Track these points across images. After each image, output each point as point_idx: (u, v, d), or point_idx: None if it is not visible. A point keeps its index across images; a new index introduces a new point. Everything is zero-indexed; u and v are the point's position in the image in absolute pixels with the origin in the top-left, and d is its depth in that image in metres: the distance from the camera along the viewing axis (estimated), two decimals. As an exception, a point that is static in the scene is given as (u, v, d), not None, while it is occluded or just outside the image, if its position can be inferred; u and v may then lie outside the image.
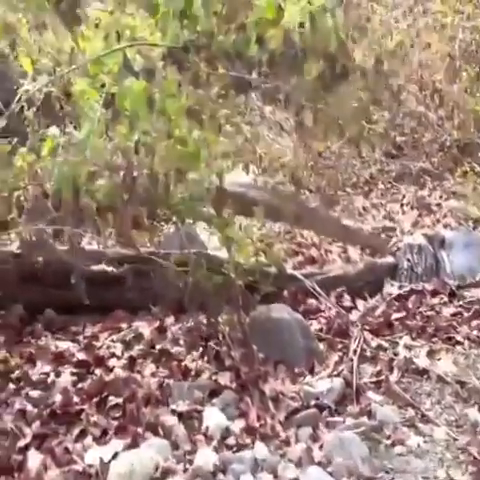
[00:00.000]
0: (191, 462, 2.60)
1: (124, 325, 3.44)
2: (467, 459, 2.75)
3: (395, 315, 3.71)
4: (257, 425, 2.83)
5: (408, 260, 4.10)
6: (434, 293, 3.94)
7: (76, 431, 2.73)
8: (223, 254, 3.33)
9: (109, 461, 2.57)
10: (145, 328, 3.40)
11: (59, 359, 3.14)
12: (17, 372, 3.03)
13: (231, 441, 2.75)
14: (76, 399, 2.88)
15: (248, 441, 2.75)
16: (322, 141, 5.74)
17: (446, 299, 3.90)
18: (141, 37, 2.93)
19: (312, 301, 3.72)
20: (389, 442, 2.83)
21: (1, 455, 2.59)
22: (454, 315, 3.74)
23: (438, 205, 5.43)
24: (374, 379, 3.20)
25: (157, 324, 3.43)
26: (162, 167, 3.00)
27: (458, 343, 3.51)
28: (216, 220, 3.19)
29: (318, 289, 3.74)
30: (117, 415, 2.83)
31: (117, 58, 2.72)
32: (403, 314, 3.72)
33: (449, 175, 5.96)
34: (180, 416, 2.84)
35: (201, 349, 3.23)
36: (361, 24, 6.05)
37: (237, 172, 4.71)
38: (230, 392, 2.98)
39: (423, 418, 3.00)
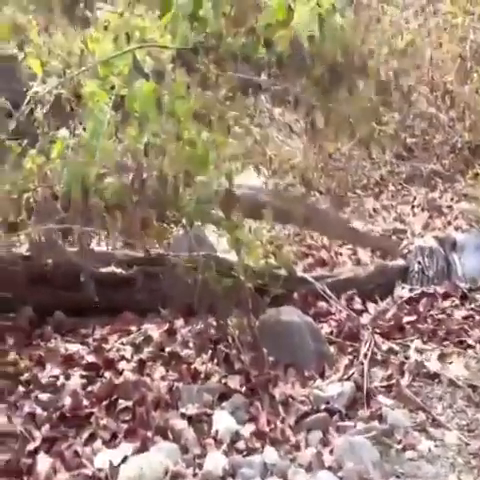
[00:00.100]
0: (201, 466, 2.59)
1: (133, 327, 3.43)
2: (479, 464, 2.73)
3: (406, 318, 3.68)
4: (267, 429, 2.81)
5: (419, 263, 4.07)
6: (445, 296, 3.91)
7: (86, 434, 2.72)
8: (232, 257, 3.32)
9: (118, 465, 2.56)
10: (154, 331, 3.39)
11: (68, 362, 3.13)
12: (26, 375, 3.03)
13: (241, 445, 2.73)
14: (86, 402, 2.87)
15: (258, 445, 2.73)
16: (332, 142, 5.72)
17: (458, 302, 3.87)
18: (151, 39, 2.92)
19: (322, 304, 3.70)
20: (400, 447, 2.81)
21: (10, 458, 2.58)
22: (466, 318, 3.71)
23: (449, 207, 5.40)
24: (385, 383, 3.17)
25: (166, 327, 3.42)
26: (171, 169, 2.99)
27: (470, 347, 3.48)
28: (225, 222, 3.18)
29: (328, 292, 3.71)
30: (127, 418, 2.82)
31: (127, 60, 2.71)
32: (414, 317, 3.69)
33: (460, 177, 5.93)
34: (190, 420, 2.83)
35: (211, 352, 3.22)
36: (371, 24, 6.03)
37: (247, 174, 4.71)
38: (240, 396, 2.97)
39: (434, 422, 2.98)
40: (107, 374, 3.06)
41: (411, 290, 3.97)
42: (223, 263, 3.34)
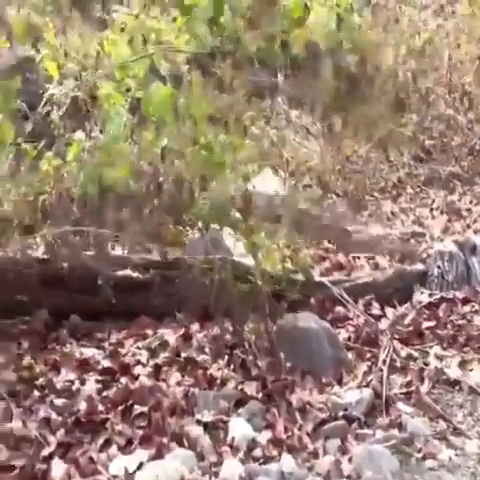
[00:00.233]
0: (217, 474, 2.56)
1: (149, 332, 3.41)
2: (501, 474, 2.68)
3: (425, 324, 3.64)
4: (284, 436, 2.77)
5: (438, 267, 4.01)
6: (465, 301, 3.86)
7: (101, 440, 2.69)
8: (249, 261, 3.29)
9: (134, 472, 2.53)
10: (170, 335, 3.36)
11: (84, 366, 3.11)
12: (42, 379, 3.01)
13: (257, 453, 2.69)
14: (101, 407, 2.84)
15: (275, 453, 2.69)
16: (349, 144, 5.69)
17: (478, 307, 3.82)
18: (166, 41, 2.90)
19: (340, 309, 3.66)
20: (420, 455, 2.76)
21: (25, 464, 2.55)
22: (486, 324, 3.66)
23: (468, 210, 5.35)
24: (404, 390, 3.13)
25: (182, 331, 3.39)
26: (187, 173, 2.98)
27: (490, 353, 3.43)
28: (242, 226, 3.15)
29: (346, 296, 3.67)
30: (142, 424, 2.79)
31: (143, 63, 2.69)
32: (433, 323, 3.64)
33: (479, 179, 5.86)
34: (205, 426, 2.80)
35: (227, 357, 3.18)
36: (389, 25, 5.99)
37: (263, 177, 4.68)
38: (256, 402, 2.93)
39: (455, 431, 2.93)
40: (123, 379, 3.03)
41: (430, 295, 3.92)
42: (240, 267, 3.31)
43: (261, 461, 2.65)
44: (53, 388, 2.96)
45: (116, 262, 3.55)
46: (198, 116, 2.80)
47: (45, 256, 3.51)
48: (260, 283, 3.13)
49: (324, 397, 3.00)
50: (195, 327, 3.43)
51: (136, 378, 3.04)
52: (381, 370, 3.18)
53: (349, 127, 5.73)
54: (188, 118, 2.76)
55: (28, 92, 3.80)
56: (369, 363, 3.26)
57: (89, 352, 3.23)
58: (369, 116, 5.78)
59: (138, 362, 3.17)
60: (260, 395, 2.97)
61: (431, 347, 3.45)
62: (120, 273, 3.52)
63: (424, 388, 3.14)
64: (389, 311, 3.77)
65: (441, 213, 5.31)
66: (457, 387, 3.18)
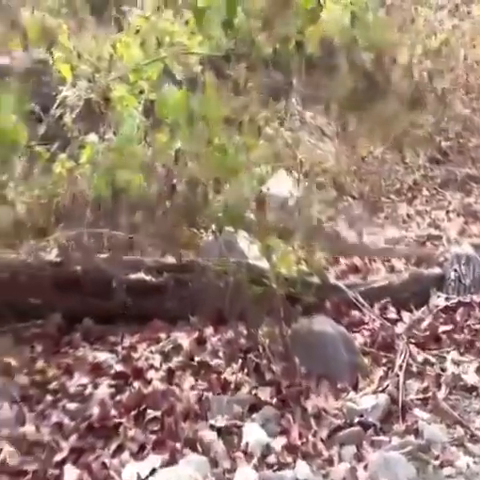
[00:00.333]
0: (230, 481, 2.53)
1: (163, 335, 3.38)
2: (519, 482, 2.62)
3: (442, 328, 3.58)
4: (299, 443, 2.73)
5: (455, 271, 3.95)
6: (483, 305, 3.80)
7: (113, 446, 2.67)
8: (263, 263, 3.26)
9: (146, 477, 2.51)
10: (184, 339, 3.33)
11: (97, 370, 3.09)
12: (54, 383, 3.00)
13: (272, 459, 2.66)
14: (114, 412, 2.82)
15: (289, 460, 2.66)
16: (365, 145, 5.64)
17: (495, 312, 3.75)
18: (178, 42, 2.89)
19: (355, 312, 3.61)
20: (437, 463, 2.70)
21: (38, 469, 2.54)
22: (504, 329, 3.60)
23: (485, 213, 5.28)
24: (421, 396, 3.07)
25: (196, 335, 3.36)
26: (201, 175, 2.96)
27: (508, 359, 3.37)
28: (256, 228, 3.13)
29: (362, 300, 3.62)
30: (155, 429, 2.76)
31: (157, 66, 2.68)
32: (450, 327, 3.58)
33: (496, 181, 5.80)
34: (219, 431, 2.77)
35: (241, 362, 3.15)
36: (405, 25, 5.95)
37: (278, 178, 4.64)
38: (270, 407, 2.89)
39: (472, 437, 2.87)
40: (136, 383, 3.00)
41: (447, 299, 3.85)
42: (254, 270, 3.28)
43: (275, 468, 2.62)
44: (66, 392, 2.94)
45: (129, 265, 3.53)
46: (212, 118, 2.78)
47: (58, 259, 3.50)
48: (275, 286, 3.10)
49: (339, 403, 2.96)
50: (209, 331, 3.40)
51: (149, 382, 3.01)
52: (397, 375, 3.13)
53: (364, 128, 5.69)
54: (202, 120, 2.73)
55: (42, 94, 3.80)
56: (385, 368, 3.21)
57: (102, 356, 3.21)
58: (384, 116, 5.74)
59: (151, 366, 3.14)
60: (274, 400, 2.93)
61: (448, 352, 3.39)
62: (133, 276, 3.50)
63: (441, 394, 3.08)
64: (405, 315, 3.72)
65: (457, 215, 5.25)
66: (474, 393, 3.12)
